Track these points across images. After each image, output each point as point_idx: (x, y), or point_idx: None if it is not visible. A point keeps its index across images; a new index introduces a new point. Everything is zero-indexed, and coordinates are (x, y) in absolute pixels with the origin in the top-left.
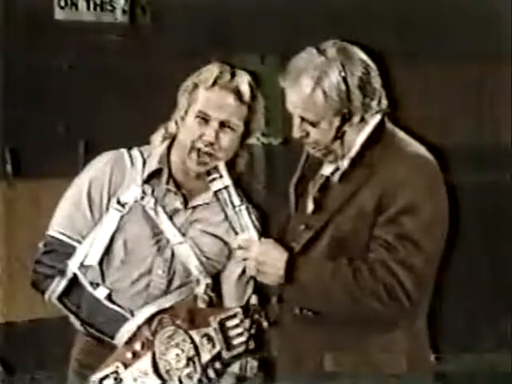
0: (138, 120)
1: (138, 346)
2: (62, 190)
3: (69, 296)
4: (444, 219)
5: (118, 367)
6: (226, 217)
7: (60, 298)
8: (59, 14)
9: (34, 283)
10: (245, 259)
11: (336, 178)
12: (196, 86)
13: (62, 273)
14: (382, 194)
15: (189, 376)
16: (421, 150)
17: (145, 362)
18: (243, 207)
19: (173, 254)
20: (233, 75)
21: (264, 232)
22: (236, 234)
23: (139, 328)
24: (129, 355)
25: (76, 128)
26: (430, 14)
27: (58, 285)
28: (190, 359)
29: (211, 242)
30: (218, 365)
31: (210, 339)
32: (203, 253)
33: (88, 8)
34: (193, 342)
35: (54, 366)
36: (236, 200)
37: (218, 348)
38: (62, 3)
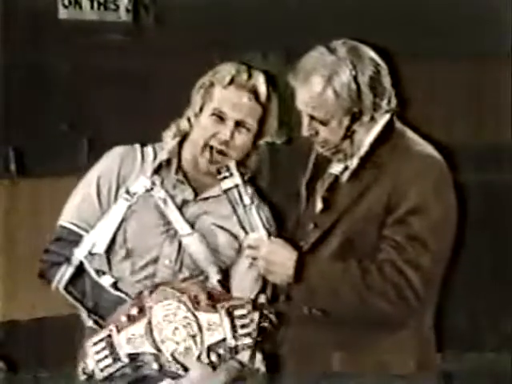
0: (142, 119)
1: (134, 311)
2: (65, 188)
3: (75, 284)
4: (452, 219)
5: (111, 330)
6: (236, 215)
7: (66, 288)
8: (63, 13)
9: (42, 273)
10: (254, 258)
11: (345, 177)
12: (212, 84)
13: (69, 260)
14: (390, 194)
15: (186, 351)
16: (429, 149)
17: (140, 326)
18: (253, 206)
19: (180, 245)
20: (250, 75)
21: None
22: (246, 232)
23: (139, 295)
24: (123, 319)
25: (79, 127)
26: (435, 13)
27: (65, 272)
28: (192, 336)
29: (220, 234)
30: (221, 351)
31: (215, 324)
32: (211, 245)
33: (91, 7)
34: (197, 321)
35: (56, 365)
36: (246, 199)
37: (222, 335)
38: (66, 2)
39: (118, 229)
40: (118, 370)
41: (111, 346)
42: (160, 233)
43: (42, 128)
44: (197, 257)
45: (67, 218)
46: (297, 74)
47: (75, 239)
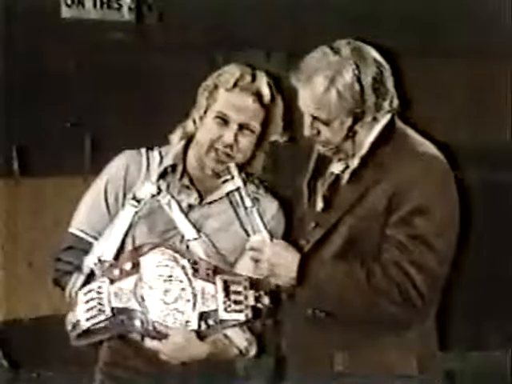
0: (144, 118)
1: (128, 266)
2: (68, 188)
3: None
4: (455, 219)
5: (103, 282)
6: (238, 217)
7: None
8: (66, 12)
9: (56, 280)
10: (257, 261)
11: (346, 176)
12: (216, 86)
13: (80, 269)
14: (393, 194)
15: (174, 314)
16: (432, 149)
17: (130, 281)
18: (254, 209)
19: (187, 250)
20: (253, 77)
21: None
22: (248, 235)
23: (136, 250)
24: (116, 272)
25: (82, 126)
26: (437, 14)
27: (77, 281)
28: (185, 300)
29: (225, 237)
30: (212, 321)
31: (210, 294)
32: (217, 248)
33: (94, 6)
34: (192, 287)
35: (59, 364)
36: (247, 201)
37: (214, 306)
38: (69, 1)
39: (127, 235)
40: (100, 321)
41: (100, 297)
42: (168, 238)
43: (45, 127)
44: (204, 260)
45: (77, 225)
46: (300, 74)
47: (85, 247)
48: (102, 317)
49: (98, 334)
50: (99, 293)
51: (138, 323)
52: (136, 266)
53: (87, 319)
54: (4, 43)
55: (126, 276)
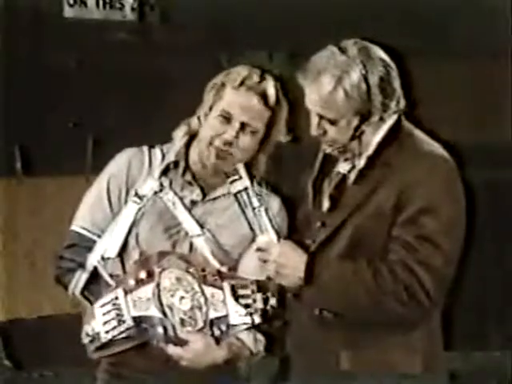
0: (146, 117)
1: (143, 275)
2: (70, 187)
3: (90, 289)
4: (462, 219)
5: (118, 293)
6: (246, 217)
7: (82, 293)
8: (68, 12)
9: (58, 278)
10: (264, 261)
11: (352, 176)
12: (223, 84)
13: (83, 266)
14: (399, 194)
15: (191, 321)
16: (438, 149)
17: (147, 289)
18: (262, 209)
19: (191, 246)
20: (261, 78)
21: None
22: (255, 235)
23: (147, 259)
24: (132, 282)
25: (84, 125)
26: (440, 10)
27: (80, 279)
28: (198, 307)
29: (229, 233)
30: (223, 327)
31: (219, 300)
32: (221, 245)
33: (97, 6)
34: (203, 293)
35: (62, 363)
36: (255, 201)
37: (224, 311)
38: (71, 1)
39: (130, 232)
40: (122, 332)
41: (118, 308)
42: (171, 234)
43: (48, 127)
44: (208, 257)
45: (79, 222)
46: (307, 73)
47: (88, 245)
48: (123, 327)
49: (118, 345)
50: (116, 304)
51: (160, 330)
52: (151, 275)
53: (107, 331)
54: (5, 43)
55: (142, 285)
